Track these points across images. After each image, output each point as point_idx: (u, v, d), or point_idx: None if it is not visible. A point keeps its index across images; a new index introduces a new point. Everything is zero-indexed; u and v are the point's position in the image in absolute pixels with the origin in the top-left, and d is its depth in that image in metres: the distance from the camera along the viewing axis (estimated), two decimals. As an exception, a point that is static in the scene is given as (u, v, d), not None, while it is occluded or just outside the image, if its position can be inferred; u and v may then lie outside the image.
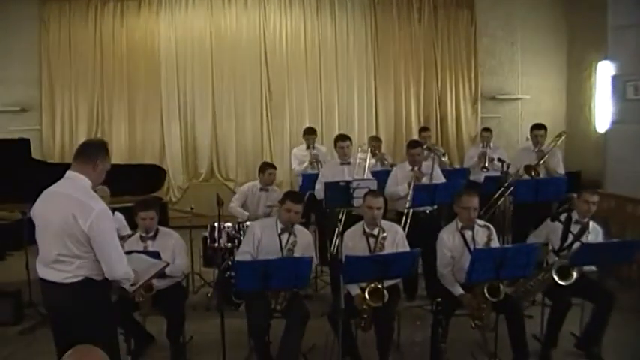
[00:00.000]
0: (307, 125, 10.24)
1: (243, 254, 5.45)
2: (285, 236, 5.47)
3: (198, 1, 11.76)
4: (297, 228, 5.56)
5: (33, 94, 11.59)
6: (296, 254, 5.34)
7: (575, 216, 5.64)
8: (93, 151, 4.00)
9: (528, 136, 8.16)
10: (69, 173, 3.96)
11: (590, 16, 11.06)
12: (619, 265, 7.36)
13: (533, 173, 7.71)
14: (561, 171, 8.02)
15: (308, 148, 9.08)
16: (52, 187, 3.99)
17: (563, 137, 8.01)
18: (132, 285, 4.16)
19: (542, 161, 7.75)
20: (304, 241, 5.57)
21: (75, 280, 3.84)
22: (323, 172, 7.74)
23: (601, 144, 9.79)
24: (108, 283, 3.99)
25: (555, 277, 5.20)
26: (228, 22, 11.86)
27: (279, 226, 5.53)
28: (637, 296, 6.91)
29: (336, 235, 6.51)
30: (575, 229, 5.52)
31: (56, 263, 3.85)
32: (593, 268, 5.51)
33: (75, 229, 3.78)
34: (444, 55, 12.27)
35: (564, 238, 5.55)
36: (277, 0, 11.88)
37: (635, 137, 8.36)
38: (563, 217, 5.61)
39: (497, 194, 7.75)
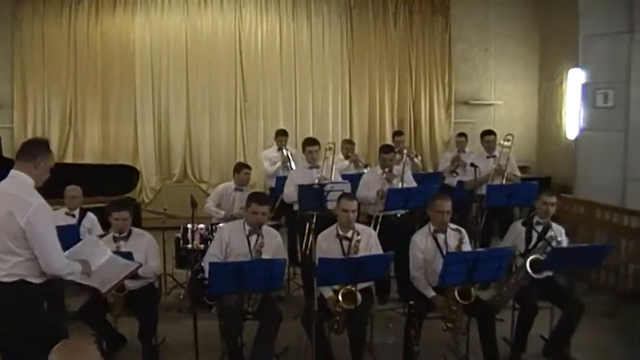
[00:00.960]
0: (281, 127, 10.23)
1: (210, 257, 5.40)
2: (253, 238, 5.41)
3: (174, 2, 11.71)
4: (265, 229, 5.52)
5: (5, 92, 11.45)
6: (265, 255, 5.31)
7: (536, 218, 5.78)
8: (34, 149, 4.10)
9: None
10: (12, 172, 4.04)
11: (562, 25, 11.23)
12: (588, 269, 7.49)
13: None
14: (518, 173, 8.22)
15: (279, 149, 9.08)
16: None
17: (512, 140, 8.06)
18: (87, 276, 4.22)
19: (504, 178, 7.83)
20: (273, 243, 5.53)
21: (9, 280, 3.89)
22: (292, 175, 7.72)
23: (571, 150, 9.94)
24: (45, 288, 4.00)
25: (529, 270, 5.31)
26: (204, 23, 11.83)
27: (247, 228, 5.49)
28: (606, 301, 7.00)
29: (306, 235, 6.52)
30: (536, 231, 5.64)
31: None
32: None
33: (12, 225, 3.84)
34: (418, 60, 12.37)
35: (528, 240, 5.66)
36: (253, 2, 11.91)
37: (604, 144, 8.50)
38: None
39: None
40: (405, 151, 8.00)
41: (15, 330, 3.91)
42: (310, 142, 7.72)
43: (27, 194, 3.94)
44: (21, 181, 3.99)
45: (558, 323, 5.45)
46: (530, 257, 5.39)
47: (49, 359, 2.42)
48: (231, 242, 5.48)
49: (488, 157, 8.15)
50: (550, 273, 5.59)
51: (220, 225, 6.66)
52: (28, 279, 3.92)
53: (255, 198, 5.54)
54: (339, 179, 7.51)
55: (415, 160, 8.92)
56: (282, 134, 9.26)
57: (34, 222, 3.87)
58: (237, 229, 5.57)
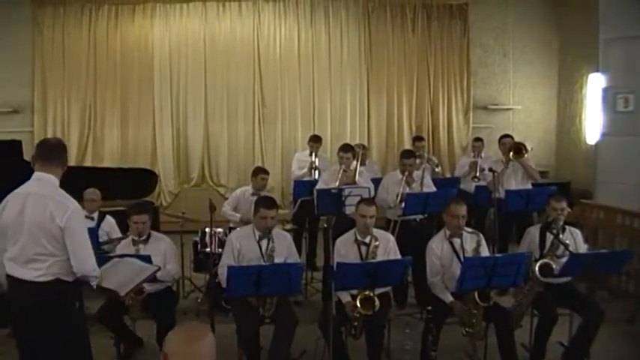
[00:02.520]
0: (310, 133, 10.18)
1: (224, 267, 5.27)
2: (264, 242, 5.40)
3: (192, 7, 11.80)
4: (275, 232, 5.52)
5: (25, 96, 11.60)
6: (277, 259, 5.33)
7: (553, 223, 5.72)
8: (61, 152, 4.22)
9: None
10: (39, 174, 4.11)
11: (581, 29, 11.16)
12: (608, 276, 7.42)
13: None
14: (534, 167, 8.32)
15: (311, 154, 9.05)
16: (21, 189, 4.10)
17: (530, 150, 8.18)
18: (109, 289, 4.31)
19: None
20: (284, 245, 5.55)
21: (45, 279, 3.97)
22: (323, 177, 7.76)
23: (591, 155, 9.85)
24: (77, 286, 4.10)
25: (538, 274, 5.29)
26: (223, 28, 11.90)
27: (257, 233, 5.47)
28: (626, 307, 6.93)
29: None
30: (550, 237, 5.59)
31: (31, 262, 3.97)
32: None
33: (52, 226, 3.93)
34: (436, 65, 12.32)
35: (542, 245, 5.63)
36: (272, 7, 11.96)
37: (625, 149, 8.41)
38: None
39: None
40: (427, 156, 8.02)
41: (47, 330, 3.99)
42: (343, 149, 7.68)
43: (62, 197, 4.04)
44: (50, 182, 4.08)
45: (578, 330, 5.40)
46: (539, 262, 5.36)
47: (169, 341, 2.41)
48: (242, 249, 5.47)
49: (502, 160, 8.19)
50: (569, 279, 5.55)
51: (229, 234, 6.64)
52: (63, 277, 4.01)
53: (263, 203, 5.52)
54: (368, 182, 7.48)
55: (436, 169, 8.95)
56: (313, 140, 9.19)
57: (73, 224, 3.98)
58: (246, 235, 5.57)
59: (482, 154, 9.37)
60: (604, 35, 8.71)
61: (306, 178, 8.65)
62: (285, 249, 5.53)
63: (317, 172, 8.74)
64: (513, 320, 5.36)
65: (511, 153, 7.90)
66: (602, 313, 5.30)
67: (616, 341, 6.06)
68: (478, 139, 9.67)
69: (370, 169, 9.08)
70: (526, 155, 7.97)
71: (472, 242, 5.42)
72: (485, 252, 5.45)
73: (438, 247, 5.51)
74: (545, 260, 5.37)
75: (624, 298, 7.38)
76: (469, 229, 5.52)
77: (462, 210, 5.43)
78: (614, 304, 7.00)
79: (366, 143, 10.92)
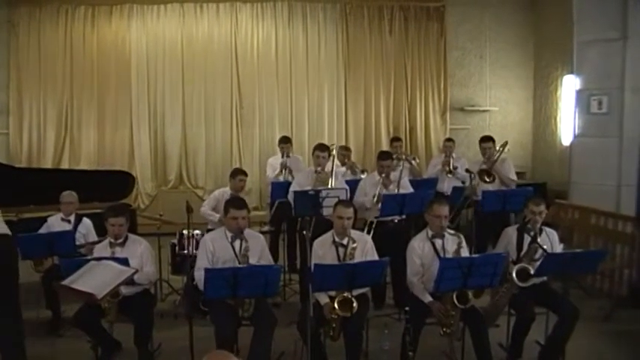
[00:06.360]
0: (282, 134, 10.17)
1: (200, 270, 5.21)
2: (237, 243, 5.39)
3: (170, 8, 11.76)
4: (248, 232, 5.51)
5: (0, 98, 11.49)
6: (252, 259, 5.32)
7: (529, 225, 5.73)
8: None
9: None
10: None
11: (556, 32, 11.28)
12: (584, 275, 7.50)
13: (487, 178, 7.97)
14: (513, 177, 8.30)
15: (283, 156, 9.05)
16: None
17: (507, 146, 8.19)
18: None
19: (492, 166, 8.03)
20: (258, 245, 5.55)
21: None
22: (298, 179, 7.71)
23: (566, 156, 9.96)
24: None
25: (515, 279, 5.30)
26: (200, 29, 11.87)
27: (229, 234, 5.46)
28: (601, 306, 7.01)
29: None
30: (527, 238, 5.60)
31: None
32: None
33: None
34: (414, 67, 12.39)
35: (520, 247, 5.64)
36: (249, 9, 11.95)
37: (599, 150, 8.51)
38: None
39: (460, 204, 7.98)
40: (404, 156, 8.04)
41: None
42: (319, 148, 7.62)
43: None
44: None
45: (553, 329, 5.44)
46: (517, 267, 5.38)
47: None
48: (215, 251, 5.45)
49: (484, 163, 8.18)
50: (544, 278, 5.60)
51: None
52: None
53: (232, 204, 5.52)
54: (342, 184, 7.46)
55: (413, 163, 8.99)
56: (283, 141, 9.21)
57: None
58: (219, 237, 5.55)
59: (454, 155, 9.45)
60: (579, 37, 8.80)
61: (281, 179, 8.64)
62: (258, 249, 5.52)
63: (288, 171, 8.76)
64: (485, 320, 5.38)
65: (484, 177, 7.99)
66: (578, 312, 5.35)
67: (591, 339, 6.14)
68: (449, 140, 9.79)
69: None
70: (503, 160, 8.05)
71: (453, 244, 5.44)
72: (465, 254, 5.48)
73: (419, 246, 5.51)
74: (523, 265, 5.40)
75: (599, 297, 7.48)
76: (451, 231, 5.55)
77: (445, 210, 5.45)
78: (589, 302, 7.08)
79: (344, 144, 10.92)
